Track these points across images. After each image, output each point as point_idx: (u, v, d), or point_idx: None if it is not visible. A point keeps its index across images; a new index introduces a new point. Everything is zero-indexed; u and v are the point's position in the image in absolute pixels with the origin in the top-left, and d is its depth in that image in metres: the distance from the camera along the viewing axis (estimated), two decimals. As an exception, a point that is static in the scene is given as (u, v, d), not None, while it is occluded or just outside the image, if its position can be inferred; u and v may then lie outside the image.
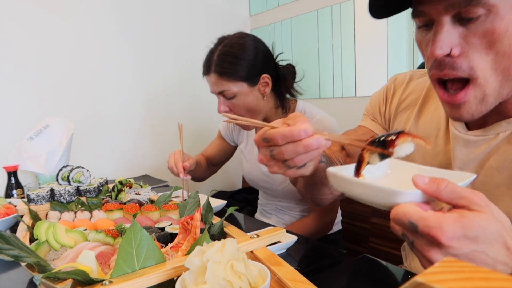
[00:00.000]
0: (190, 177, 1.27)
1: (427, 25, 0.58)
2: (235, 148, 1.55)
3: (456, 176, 0.52)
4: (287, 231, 0.73)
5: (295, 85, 1.31)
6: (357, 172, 0.57)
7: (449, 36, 0.54)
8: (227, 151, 1.56)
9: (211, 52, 1.21)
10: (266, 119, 1.28)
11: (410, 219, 0.44)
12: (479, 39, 0.53)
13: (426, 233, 0.42)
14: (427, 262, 0.45)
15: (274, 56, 1.26)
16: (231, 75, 1.16)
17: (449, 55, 0.55)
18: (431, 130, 0.74)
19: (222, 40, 1.22)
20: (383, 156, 0.54)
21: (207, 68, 1.20)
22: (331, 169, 0.56)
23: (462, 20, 0.53)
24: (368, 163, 0.56)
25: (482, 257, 0.43)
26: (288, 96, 1.31)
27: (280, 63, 1.29)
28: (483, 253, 0.43)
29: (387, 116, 0.85)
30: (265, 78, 1.21)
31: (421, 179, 0.47)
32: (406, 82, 0.83)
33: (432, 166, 0.64)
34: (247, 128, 1.29)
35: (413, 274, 0.68)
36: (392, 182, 0.59)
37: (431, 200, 0.48)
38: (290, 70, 1.30)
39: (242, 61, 1.16)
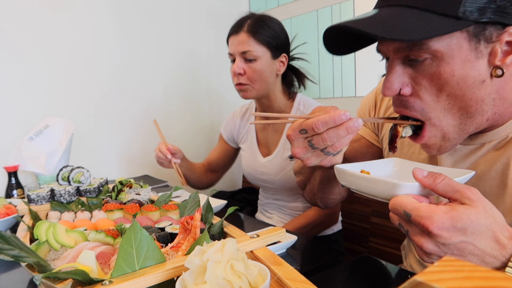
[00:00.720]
0: (178, 160, 1.36)
1: (388, 59, 0.61)
2: (236, 151, 1.56)
3: (457, 173, 0.55)
4: (287, 231, 0.73)
5: (304, 72, 1.38)
6: (392, 145, 0.61)
7: (398, 77, 0.56)
8: (229, 154, 1.57)
9: (245, 17, 1.28)
10: (268, 98, 1.32)
11: (405, 209, 0.47)
12: (428, 81, 0.55)
13: (418, 223, 0.45)
14: (420, 251, 0.48)
15: (291, 48, 1.34)
16: (262, 37, 1.24)
17: (400, 94, 0.57)
18: None
19: (253, 13, 1.31)
20: (415, 128, 0.60)
21: (238, 28, 1.26)
22: (338, 165, 0.61)
23: (411, 61, 0.55)
24: (401, 136, 0.60)
25: (470, 248, 0.45)
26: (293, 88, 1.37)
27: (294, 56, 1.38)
28: (471, 244, 0.45)
29: (376, 122, 0.85)
30: (284, 57, 1.29)
31: (420, 172, 0.50)
32: None
33: None
34: (248, 94, 1.30)
35: (412, 274, 0.68)
36: (397, 178, 0.61)
37: (430, 194, 0.51)
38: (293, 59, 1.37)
39: (272, 30, 1.26)
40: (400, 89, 0.57)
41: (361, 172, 0.61)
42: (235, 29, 1.27)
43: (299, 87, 1.38)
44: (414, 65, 0.55)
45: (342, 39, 0.60)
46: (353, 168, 0.61)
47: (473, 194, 0.46)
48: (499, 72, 0.52)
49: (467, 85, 0.53)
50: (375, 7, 0.58)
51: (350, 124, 0.54)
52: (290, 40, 1.33)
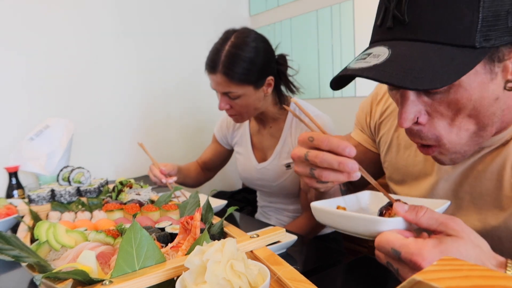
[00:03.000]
0: (174, 178, 1.27)
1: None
2: (230, 152, 1.55)
3: (432, 203, 0.55)
4: (287, 231, 0.73)
5: (291, 79, 1.31)
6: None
7: (414, 107, 0.54)
8: (223, 155, 1.55)
9: (218, 51, 1.15)
10: (264, 114, 1.30)
11: (393, 246, 0.46)
12: (444, 108, 0.53)
13: (409, 260, 0.44)
14: None
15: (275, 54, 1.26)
16: (242, 80, 1.14)
17: (416, 122, 0.56)
18: None
19: (228, 37, 1.16)
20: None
21: (213, 68, 1.15)
22: (315, 203, 0.59)
23: (426, 91, 0.53)
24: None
25: None
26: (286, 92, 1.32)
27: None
28: None
29: (372, 127, 0.85)
30: (269, 80, 1.21)
31: (401, 207, 0.49)
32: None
33: (412, 174, 0.70)
34: (240, 120, 1.30)
35: (413, 274, 0.68)
36: (373, 214, 0.61)
37: (413, 227, 0.50)
38: (285, 66, 1.29)
39: (254, 66, 1.14)
40: (418, 118, 0.55)
41: (337, 208, 0.60)
42: (211, 68, 1.17)
43: (292, 92, 1.32)
44: (430, 94, 0.53)
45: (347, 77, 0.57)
46: (329, 204, 0.60)
47: (457, 224, 0.46)
48: (511, 85, 0.52)
49: (483, 105, 0.52)
50: (381, 41, 0.54)
51: (345, 161, 0.52)
52: (274, 48, 1.24)
